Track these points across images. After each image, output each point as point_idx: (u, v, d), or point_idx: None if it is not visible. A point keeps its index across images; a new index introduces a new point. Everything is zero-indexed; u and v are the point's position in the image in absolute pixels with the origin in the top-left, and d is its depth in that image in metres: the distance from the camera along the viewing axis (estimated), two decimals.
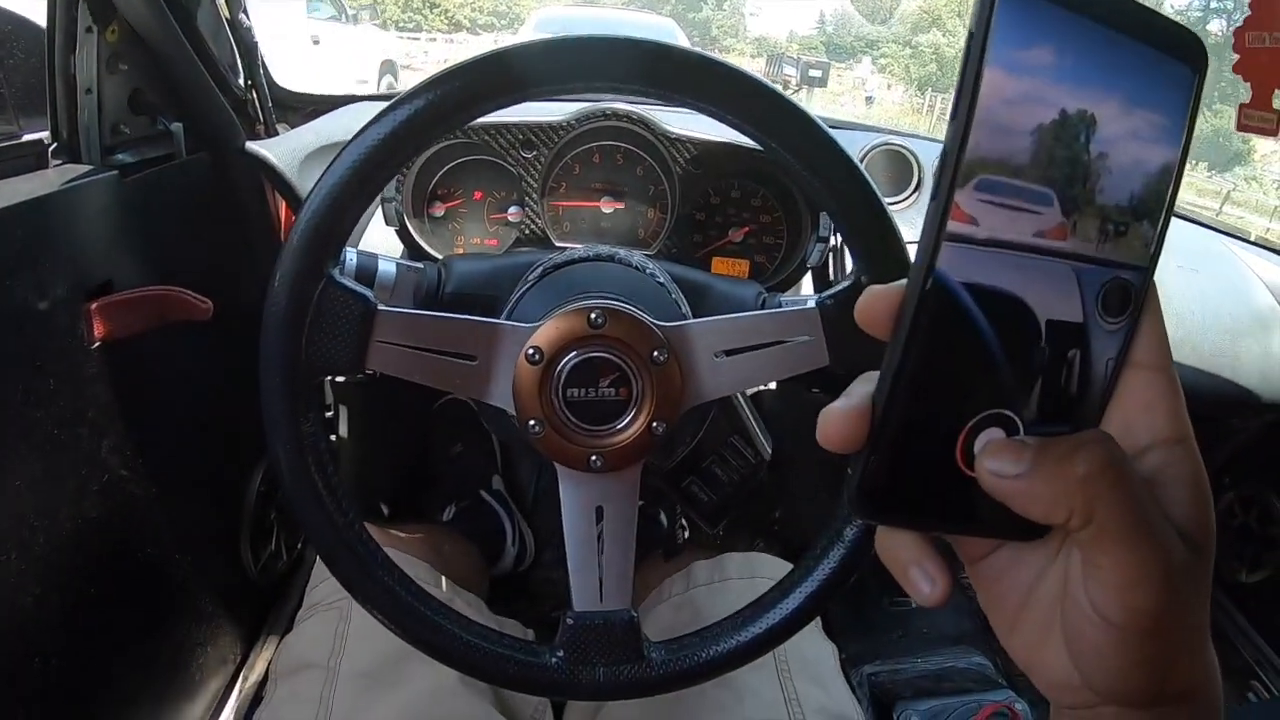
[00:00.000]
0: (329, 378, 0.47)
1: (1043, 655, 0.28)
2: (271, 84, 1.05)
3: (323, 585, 0.76)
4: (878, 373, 0.27)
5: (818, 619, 0.77)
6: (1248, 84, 0.75)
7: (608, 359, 0.49)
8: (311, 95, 1.10)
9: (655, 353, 0.49)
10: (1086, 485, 0.24)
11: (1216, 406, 1.05)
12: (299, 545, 1.22)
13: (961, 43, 0.24)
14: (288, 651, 0.73)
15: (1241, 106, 0.75)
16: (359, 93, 1.14)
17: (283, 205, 1.03)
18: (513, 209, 0.86)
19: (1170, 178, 0.25)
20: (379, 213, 0.81)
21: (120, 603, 0.85)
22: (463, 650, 0.50)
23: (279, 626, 1.14)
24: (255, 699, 1.06)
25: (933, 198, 0.24)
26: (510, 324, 0.50)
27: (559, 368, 0.49)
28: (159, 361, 0.87)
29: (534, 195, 0.85)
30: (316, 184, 0.45)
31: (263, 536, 1.13)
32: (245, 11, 0.95)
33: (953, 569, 0.29)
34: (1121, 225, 0.25)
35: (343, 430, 1.07)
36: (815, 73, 13.43)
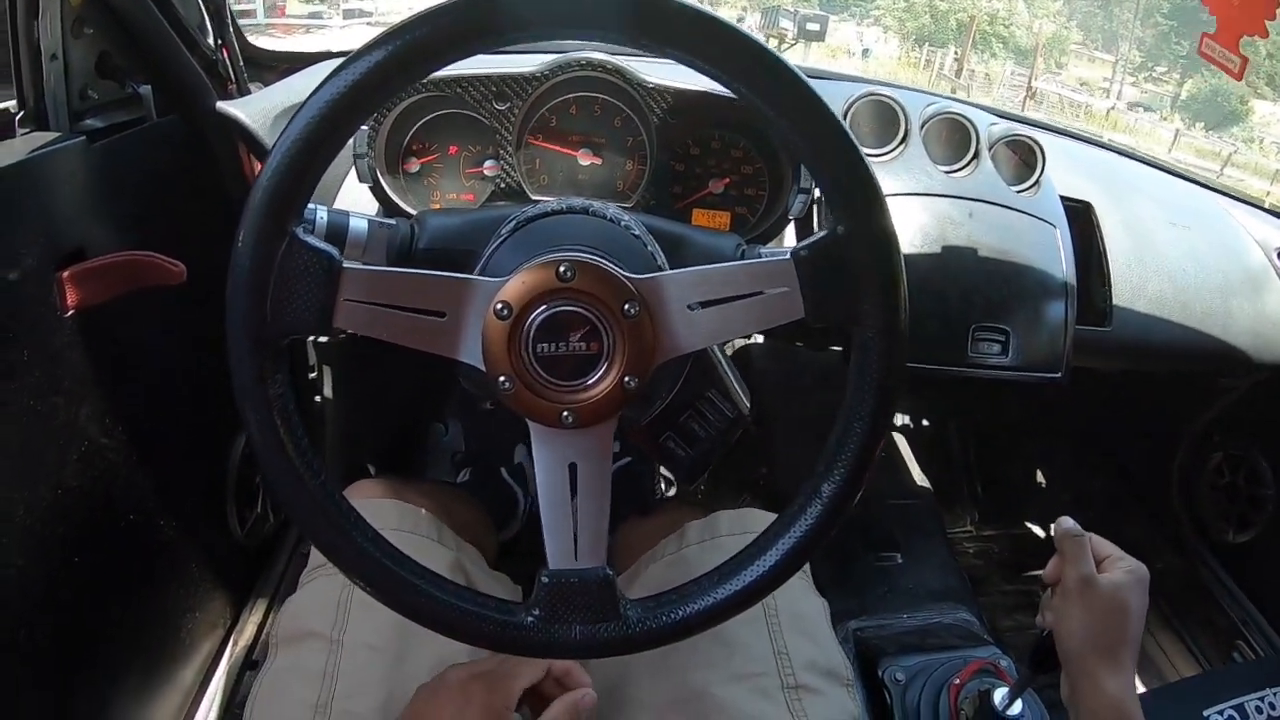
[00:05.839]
0: (302, 338, 0.47)
1: None
2: (244, 43, 1.02)
3: None
4: None
5: (809, 574, 0.77)
6: (1214, 16, 0.74)
7: (577, 313, 0.48)
8: (286, 53, 1.08)
9: (626, 305, 0.47)
10: None
11: (1207, 364, 1.04)
12: None
13: None
14: (290, 616, 0.71)
15: (1204, 36, 0.73)
16: (335, 49, 1.11)
17: (257, 166, 1.01)
18: (488, 163, 0.84)
19: None
20: (353, 171, 0.79)
21: (106, 570, 0.84)
22: (439, 611, 0.49)
23: (267, 589, 1.14)
24: (246, 662, 1.06)
25: None
26: (479, 279, 0.48)
27: (528, 323, 0.48)
28: (134, 328, 0.86)
29: (509, 148, 0.82)
30: (277, 141, 0.44)
31: (248, 500, 1.13)
32: None
33: None
34: None
35: (327, 391, 1.06)
36: (813, 26, 12.93)
